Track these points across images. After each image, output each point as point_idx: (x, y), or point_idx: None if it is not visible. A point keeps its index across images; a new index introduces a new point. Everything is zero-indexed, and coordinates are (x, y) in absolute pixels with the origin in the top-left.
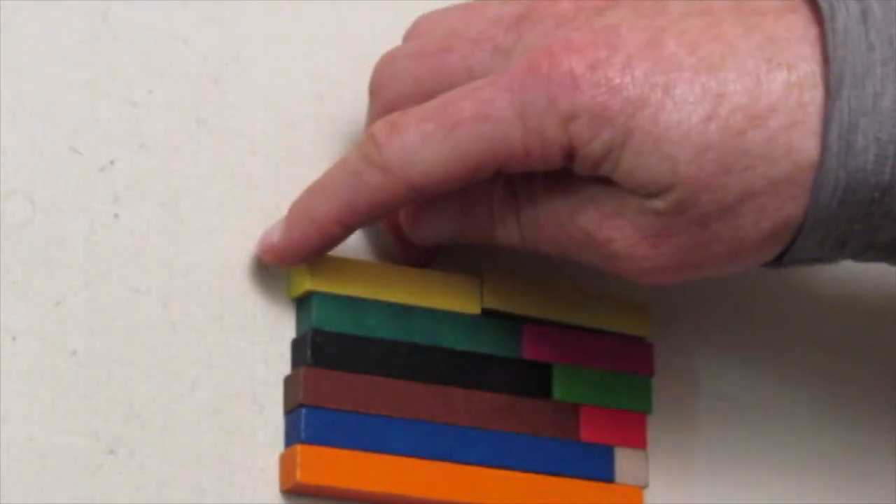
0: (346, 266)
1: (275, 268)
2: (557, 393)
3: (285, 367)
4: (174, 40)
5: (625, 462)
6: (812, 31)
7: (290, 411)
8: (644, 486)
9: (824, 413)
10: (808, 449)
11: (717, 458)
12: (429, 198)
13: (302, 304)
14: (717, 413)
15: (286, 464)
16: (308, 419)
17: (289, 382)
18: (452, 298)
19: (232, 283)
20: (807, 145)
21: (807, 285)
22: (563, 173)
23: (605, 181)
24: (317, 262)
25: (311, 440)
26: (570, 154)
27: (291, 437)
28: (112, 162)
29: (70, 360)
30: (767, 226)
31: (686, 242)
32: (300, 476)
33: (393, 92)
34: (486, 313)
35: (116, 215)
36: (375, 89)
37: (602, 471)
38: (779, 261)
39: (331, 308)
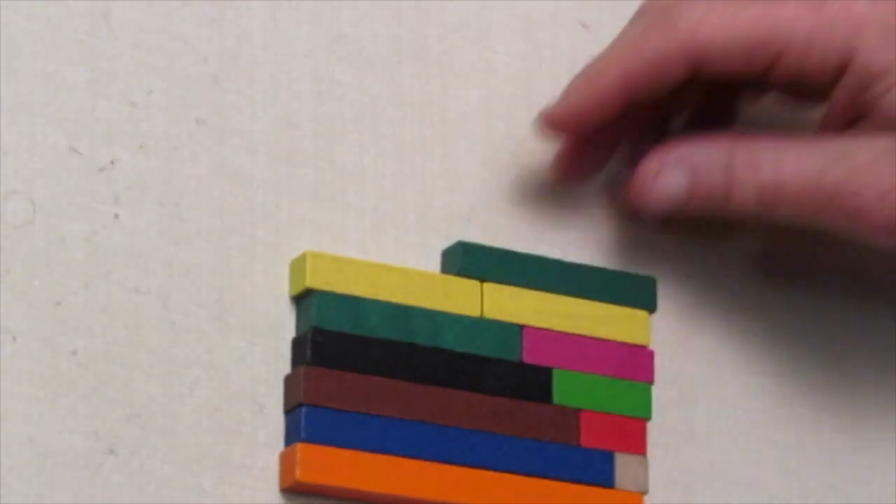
0: (347, 265)
1: (275, 268)
2: (557, 397)
3: (285, 367)
4: (174, 40)
5: (625, 467)
6: None
7: (290, 410)
8: (644, 492)
9: (824, 417)
10: (809, 453)
11: (717, 464)
12: (708, 71)
13: (302, 302)
14: (716, 419)
15: (286, 462)
16: (308, 418)
17: (289, 381)
18: (453, 300)
19: (232, 283)
20: None
21: (807, 289)
22: (808, 138)
23: (851, 136)
24: (317, 262)
25: (310, 439)
26: (845, 65)
27: (291, 436)
28: (112, 162)
29: (70, 360)
30: None
31: None
32: (300, 475)
33: None
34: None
35: (116, 215)
36: None
37: (602, 476)
38: None
39: (331, 307)
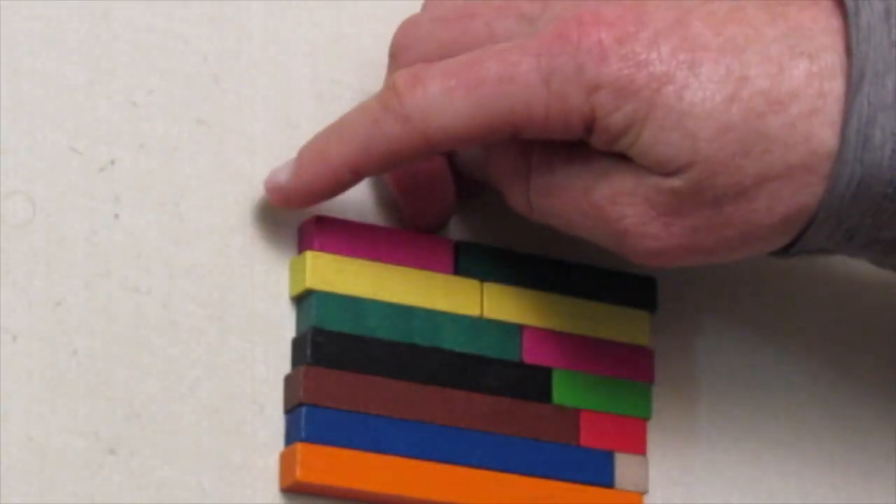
0: (347, 265)
1: (275, 267)
2: (557, 397)
3: (285, 367)
4: (174, 40)
5: (625, 467)
6: (835, 23)
7: (291, 410)
8: (644, 492)
9: (825, 418)
10: (809, 455)
11: (717, 464)
12: (443, 152)
13: (302, 302)
14: (716, 419)
15: (286, 462)
16: (308, 418)
17: (289, 381)
18: (453, 300)
19: (232, 283)
20: (825, 134)
21: (807, 291)
22: (580, 147)
23: (621, 158)
24: (317, 262)
25: (311, 439)
26: (589, 125)
27: (291, 436)
28: (112, 162)
29: (70, 360)
30: (781, 212)
31: (699, 224)
32: (300, 474)
33: (415, 53)
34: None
35: (116, 215)
36: (397, 51)
37: (602, 476)
38: (786, 250)
39: (331, 307)
